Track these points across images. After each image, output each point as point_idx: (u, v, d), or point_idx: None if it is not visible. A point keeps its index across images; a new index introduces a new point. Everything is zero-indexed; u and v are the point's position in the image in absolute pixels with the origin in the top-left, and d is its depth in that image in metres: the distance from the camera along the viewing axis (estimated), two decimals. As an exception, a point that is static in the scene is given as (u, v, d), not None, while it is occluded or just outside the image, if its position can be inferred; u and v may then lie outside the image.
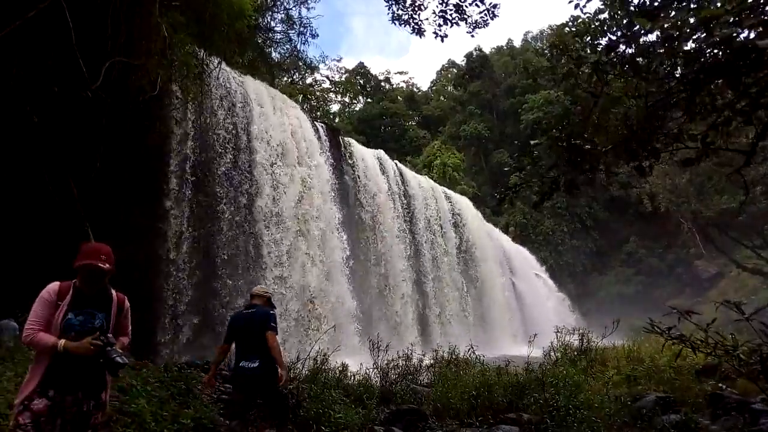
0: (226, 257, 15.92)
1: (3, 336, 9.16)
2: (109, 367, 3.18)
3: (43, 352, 3.16)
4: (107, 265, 3.31)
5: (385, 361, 9.67)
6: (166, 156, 14.62)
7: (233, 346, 5.54)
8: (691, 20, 4.31)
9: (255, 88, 19.04)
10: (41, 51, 10.22)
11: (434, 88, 76.83)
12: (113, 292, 3.50)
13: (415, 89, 75.65)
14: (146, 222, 13.67)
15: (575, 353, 11.56)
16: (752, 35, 4.91)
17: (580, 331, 12.59)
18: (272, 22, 28.12)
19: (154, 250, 13.89)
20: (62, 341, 3.12)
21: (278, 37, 29.03)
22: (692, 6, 4.94)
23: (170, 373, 7.17)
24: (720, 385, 7.52)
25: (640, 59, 5.40)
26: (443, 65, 77.76)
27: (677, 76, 5.30)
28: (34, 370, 3.17)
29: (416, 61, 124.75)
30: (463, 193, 41.64)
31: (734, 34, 4.34)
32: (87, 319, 3.28)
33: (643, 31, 5.00)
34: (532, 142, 5.55)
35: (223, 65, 16.62)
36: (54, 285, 3.30)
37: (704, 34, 4.55)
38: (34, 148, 10.69)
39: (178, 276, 14.37)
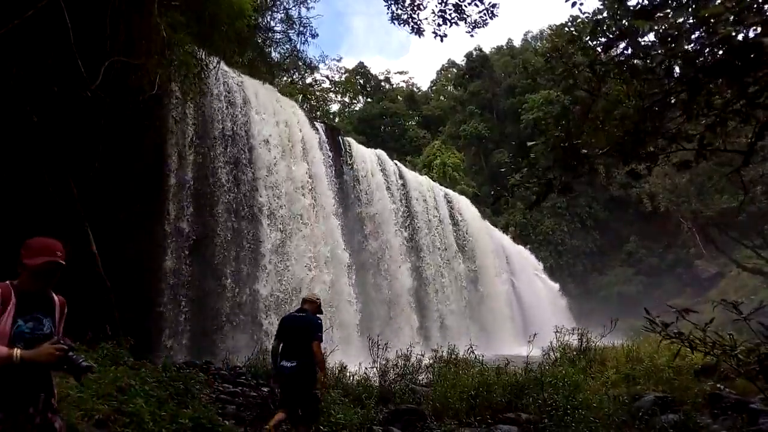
0: (225, 257, 15.92)
1: None
2: (74, 371, 2.86)
3: None
4: (64, 262, 2.99)
5: (384, 361, 9.67)
6: (165, 155, 14.62)
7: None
8: (690, 20, 4.30)
9: (254, 87, 19.03)
10: (41, 50, 10.22)
11: (434, 87, 76.84)
12: (53, 293, 3.13)
13: (415, 89, 75.68)
14: (146, 222, 13.66)
15: (574, 353, 11.57)
16: (752, 34, 4.91)
17: (580, 331, 12.59)
18: (272, 22, 28.12)
19: (154, 250, 13.88)
20: (17, 351, 2.72)
21: (278, 37, 29.03)
22: (691, 5, 4.95)
23: (169, 373, 7.17)
24: (719, 385, 7.52)
25: (638, 60, 5.40)
26: (443, 65, 77.85)
27: (676, 76, 5.30)
28: None
29: (416, 61, 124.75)
30: (463, 192, 41.64)
31: (734, 33, 4.34)
32: (36, 326, 2.92)
33: (641, 32, 4.99)
34: (529, 144, 5.55)
35: (223, 65, 16.62)
36: None
37: (704, 33, 4.55)
38: (34, 147, 10.68)
39: (178, 275, 14.37)
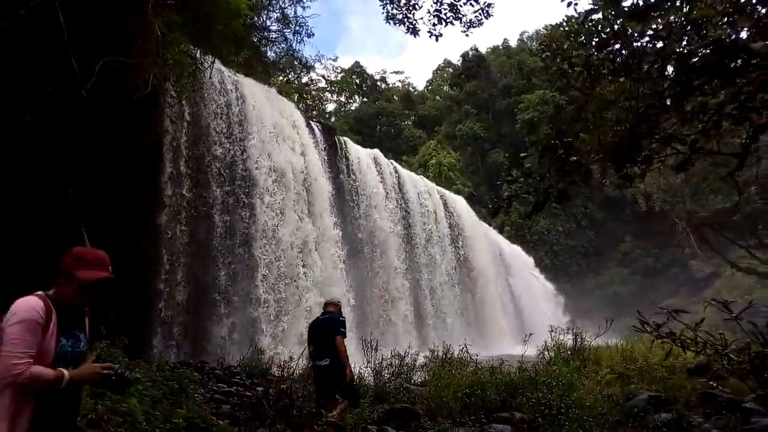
0: (220, 256, 15.90)
1: None
2: (120, 385, 2.70)
3: (28, 392, 2.43)
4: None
5: (379, 360, 9.68)
6: (161, 155, 14.59)
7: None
8: (681, 20, 4.33)
9: (250, 86, 19.00)
10: (35, 50, 10.18)
11: (430, 87, 76.90)
12: None
13: (411, 89, 75.78)
14: (142, 222, 13.63)
15: (569, 352, 11.61)
16: (744, 36, 4.94)
17: (574, 330, 12.64)
18: (268, 21, 28.09)
19: (150, 250, 13.85)
20: (66, 372, 2.50)
21: (274, 36, 29.00)
22: (685, 7, 4.97)
23: (163, 372, 7.16)
24: (712, 383, 7.55)
25: (631, 60, 5.42)
26: (439, 65, 77.95)
27: (668, 76, 5.33)
28: (13, 421, 2.40)
29: (413, 61, 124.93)
30: (458, 192, 41.68)
31: (725, 36, 4.36)
32: (75, 343, 2.71)
33: (635, 32, 5.02)
34: (522, 155, 5.57)
35: (219, 64, 16.59)
36: (37, 302, 2.54)
37: (695, 35, 4.58)
38: (28, 147, 10.65)
39: (173, 275, 14.35)
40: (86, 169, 11.17)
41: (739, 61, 4.71)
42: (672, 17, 4.42)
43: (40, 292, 2.62)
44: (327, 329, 6.42)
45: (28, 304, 2.50)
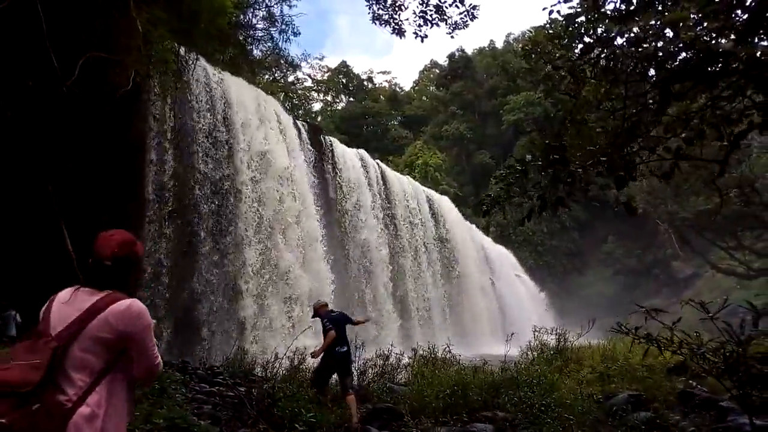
0: (205, 254, 15.80)
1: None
2: None
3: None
4: None
5: (363, 360, 9.68)
6: (144, 152, 14.44)
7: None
8: (658, 23, 4.39)
9: (235, 84, 18.90)
10: (15, 44, 10.03)
11: (417, 88, 77.10)
12: None
13: (397, 89, 75.91)
14: (125, 220, 13.47)
15: (551, 352, 11.70)
16: (723, 41, 5.02)
17: (557, 330, 12.74)
18: (254, 19, 27.91)
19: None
20: None
21: (260, 35, 28.82)
22: (666, 10, 5.04)
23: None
24: (690, 382, 7.67)
25: (613, 63, 5.49)
26: (426, 65, 78.18)
27: (649, 80, 5.39)
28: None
29: (399, 61, 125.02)
30: (444, 193, 41.82)
31: (698, 36, 4.43)
32: None
33: (615, 35, 5.08)
34: (517, 158, 5.60)
35: (203, 61, 16.46)
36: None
37: (673, 37, 4.64)
38: (8, 143, 10.49)
39: (158, 273, 14.22)
40: (67, 167, 11.02)
41: (718, 66, 4.80)
42: (651, 21, 4.48)
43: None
44: (343, 322, 7.83)
45: (144, 306, 2.44)
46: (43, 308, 2.37)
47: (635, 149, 5.42)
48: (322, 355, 7.74)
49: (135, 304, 2.36)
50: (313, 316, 8.16)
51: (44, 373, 2.13)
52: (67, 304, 2.33)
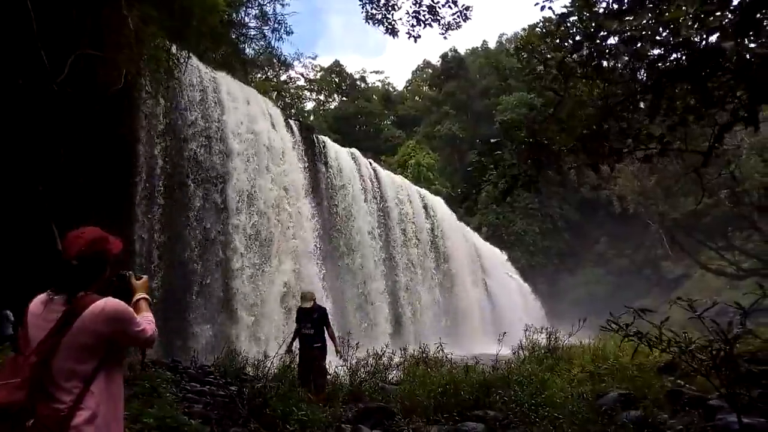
0: (196, 254, 15.73)
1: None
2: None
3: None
4: None
5: (355, 359, 9.68)
6: (135, 150, 14.36)
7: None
8: (652, 22, 4.41)
9: (227, 83, 18.84)
10: (5, 42, 9.94)
11: (410, 87, 77.08)
12: None
13: (390, 89, 75.86)
14: (116, 219, 13.39)
15: (542, 352, 11.75)
16: (714, 40, 5.05)
17: (548, 329, 12.80)
18: (246, 18, 27.87)
19: (124, 246, 13.62)
20: None
21: (252, 34, 28.79)
22: (657, 9, 5.07)
23: (133, 371, 7.06)
24: (679, 381, 7.71)
25: (604, 62, 5.52)
26: (419, 65, 78.12)
27: (640, 80, 5.43)
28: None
29: (392, 61, 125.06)
30: (437, 193, 41.86)
31: (694, 36, 4.46)
32: None
33: (607, 34, 5.10)
34: (492, 140, 5.63)
35: (196, 60, 16.39)
36: None
37: (669, 36, 4.67)
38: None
39: (148, 271, 14.13)
40: (58, 165, 10.93)
41: (708, 66, 4.83)
42: (644, 20, 4.50)
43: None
44: (319, 320, 8.33)
45: (119, 303, 2.42)
46: (22, 323, 2.35)
47: (616, 137, 5.45)
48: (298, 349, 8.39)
49: (108, 304, 2.34)
50: (298, 311, 8.71)
51: (27, 390, 2.12)
52: (40, 316, 2.31)
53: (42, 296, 2.39)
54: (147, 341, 2.46)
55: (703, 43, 4.74)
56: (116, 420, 2.33)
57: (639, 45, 4.88)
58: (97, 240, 2.47)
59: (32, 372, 2.15)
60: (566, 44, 5.87)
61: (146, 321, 2.49)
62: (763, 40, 4.31)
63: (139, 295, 2.67)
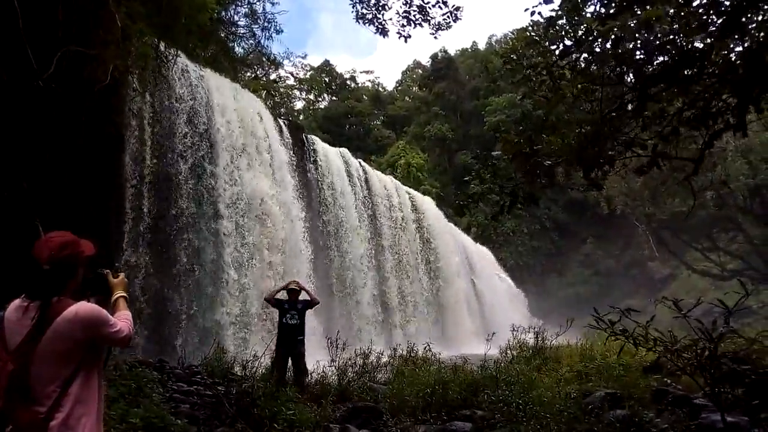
0: (184, 253, 15.62)
1: None
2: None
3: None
4: None
5: (344, 359, 9.66)
6: (123, 148, 14.22)
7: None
8: (635, 23, 4.45)
9: (216, 81, 18.73)
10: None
11: (399, 88, 77.12)
12: None
13: (380, 89, 75.85)
14: (103, 218, 13.26)
15: (530, 351, 11.81)
16: (698, 45, 5.11)
17: (536, 329, 12.87)
18: (236, 16, 27.72)
19: (112, 246, 13.50)
20: None
21: (242, 32, 28.64)
22: (638, 11, 5.12)
23: (120, 371, 7.00)
24: (665, 380, 7.79)
25: (592, 66, 5.56)
26: (409, 65, 78.22)
27: (627, 83, 5.48)
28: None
29: (383, 61, 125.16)
30: (426, 193, 41.94)
31: (673, 39, 4.51)
32: None
33: (594, 38, 5.14)
34: (493, 153, 5.66)
35: (184, 58, 16.28)
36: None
37: (649, 37, 4.71)
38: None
39: (135, 274, 14.02)
40: (43, 163, 10.80)
41: (693, 69, 4.88)
42: (629, 22, 4.54)
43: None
44: (303, 308, 8.84)
45: (93, 307, 2.44)
46: None
47: (610, 146, 5.50)
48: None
49: (81, 308, 2.34)
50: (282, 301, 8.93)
51: (3, 398, 2.13)
52: (16, 323, 2.30)
53: (17, 301, 2.37)
54: (123, 340, 2.48)
55: (687, 46, 4.79)
56: (89, 416, 2.32)
57: (624, 47, 4.92)
58: (67, 244, 2.46)
59: (9, 379, 2.16)
60: (554, 47, 5.91)
61: (122, 319, 2.51)
62: (748, 42, 4.36)
63: (118, 293, 2.70)
